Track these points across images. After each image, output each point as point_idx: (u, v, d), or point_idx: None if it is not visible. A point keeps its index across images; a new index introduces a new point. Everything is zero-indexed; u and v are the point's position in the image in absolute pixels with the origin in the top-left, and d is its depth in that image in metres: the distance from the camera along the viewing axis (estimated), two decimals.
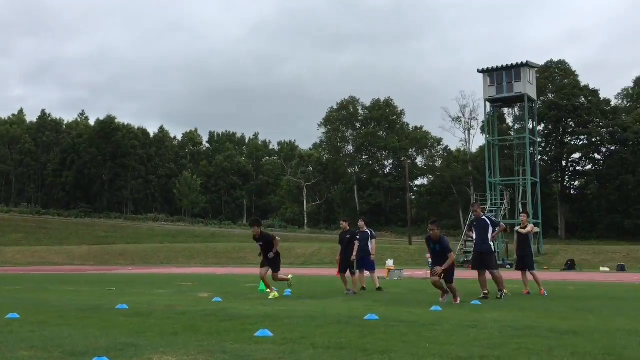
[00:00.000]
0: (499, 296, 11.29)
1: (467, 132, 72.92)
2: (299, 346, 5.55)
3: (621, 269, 33.87)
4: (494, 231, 11.89)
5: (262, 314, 8.50)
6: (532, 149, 47.25)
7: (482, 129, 60.24)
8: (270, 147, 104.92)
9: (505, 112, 67.05)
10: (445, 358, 4.95)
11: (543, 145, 66.20)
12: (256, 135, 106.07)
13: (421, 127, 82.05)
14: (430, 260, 24.29)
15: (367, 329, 6.69)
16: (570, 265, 35.47)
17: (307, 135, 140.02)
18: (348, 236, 13.46)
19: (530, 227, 13.50)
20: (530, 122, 48.58)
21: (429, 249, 10.81)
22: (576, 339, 6.10)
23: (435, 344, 5.65)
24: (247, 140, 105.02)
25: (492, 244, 11.82)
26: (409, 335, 6.24)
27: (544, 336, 6.26)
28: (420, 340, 5.89)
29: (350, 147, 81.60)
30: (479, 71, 45.49)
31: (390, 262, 23.28)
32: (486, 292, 11.50)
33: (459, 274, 12.98)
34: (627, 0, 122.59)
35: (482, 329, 6.77)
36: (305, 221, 77.91)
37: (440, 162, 78.13)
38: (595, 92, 65.48)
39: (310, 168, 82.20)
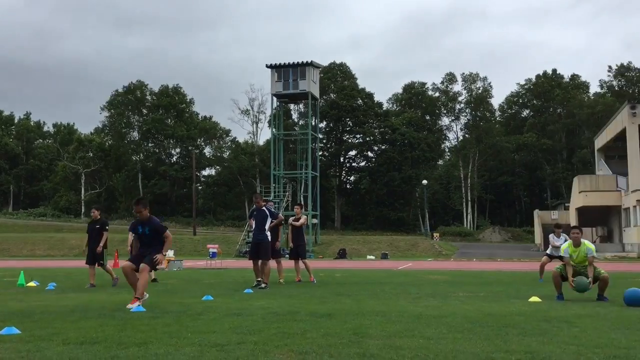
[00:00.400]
0: (263, 286, 11.67)
1: (255, 125, 74.70)
2: (48, 343, 5.15)
3: (384, 256, 37.52)
4: (271, 222, 12.31)
5: (12, 310, 7.71)
6: (314, 144, 49.99)
7: (269, 123, 62.22)
8: (45, 129, 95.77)
9: (291, 107, 70.03)
10: (203, 346, 4.99)
11: (324, 141, 70.56)
12: (28, 115, 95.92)
13: (210, 117, 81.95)
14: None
15: (129, 322, 6.46)
16: (342, 254, 38.31)
17: (88, 118, 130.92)
18: (97, 226, 12.82)
19: (303, 219, 14.27)
20: (313, 119, 51.33)
21: (136, 235, 8.53)
22: (330, 321, 6.59)
23: (197, 333, 5.67)
24: (16, 120, 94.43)
25: (268, 234, 12.19)
26: (172, 326, 6.17)
27: (302, 320, 6.65)
28: (182, 330, 5.86)
29: (135, 134, 78.23)
30: (267, 66, 46.76)
31: (170, 253, 22.81)
32: (259, 279, 11.85)
33: (242, 263, 13.18)
34: (399, 16, 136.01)
35: (247, 316, 6.97)
36: (83, 210, 72.79)
37: (228, 153, 78.82)
38: (370, 96, 71.65)
39: (91, 153, 76.97)
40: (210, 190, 77.82)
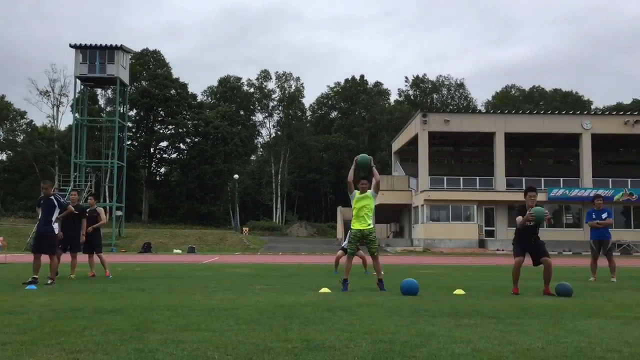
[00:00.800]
0: (48, 282, 10.84)
1: (55, 108, 68.94)
2: None
3: (191, 250, 37.00)
4: (60, 213, 11.45)
5: None
6: (121, 133, 47.52)
7: (72, 107, 57.84)
8: None
9: (98, 92, 65.85)
10: None
11: (134, 130, 67.49)
12: None
13: (3, 97, 73.61)
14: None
15: None
16: (147, 248, 37.01)
17: None
18: None
19: (102, 213, 13.64)
20: (122, 106, 48.80)
21: None
22: (116, 317, 6.31)
23: None
24: None
25: (55, 226, 11.33)
26: None
27: (84, 317, 6.28)
28: None
29: None
30: (71, 46, 43.46)
31: None
32: (36, 277, 10.95)
33: (31, 258, 12.07)
34: (218, 9, 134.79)
35: (21, 315, 6.40)
36: None
37: (22, 137, 71.66)
38: (185, 86, 70.12)
39: None
40: (0, 178, 70.10)
